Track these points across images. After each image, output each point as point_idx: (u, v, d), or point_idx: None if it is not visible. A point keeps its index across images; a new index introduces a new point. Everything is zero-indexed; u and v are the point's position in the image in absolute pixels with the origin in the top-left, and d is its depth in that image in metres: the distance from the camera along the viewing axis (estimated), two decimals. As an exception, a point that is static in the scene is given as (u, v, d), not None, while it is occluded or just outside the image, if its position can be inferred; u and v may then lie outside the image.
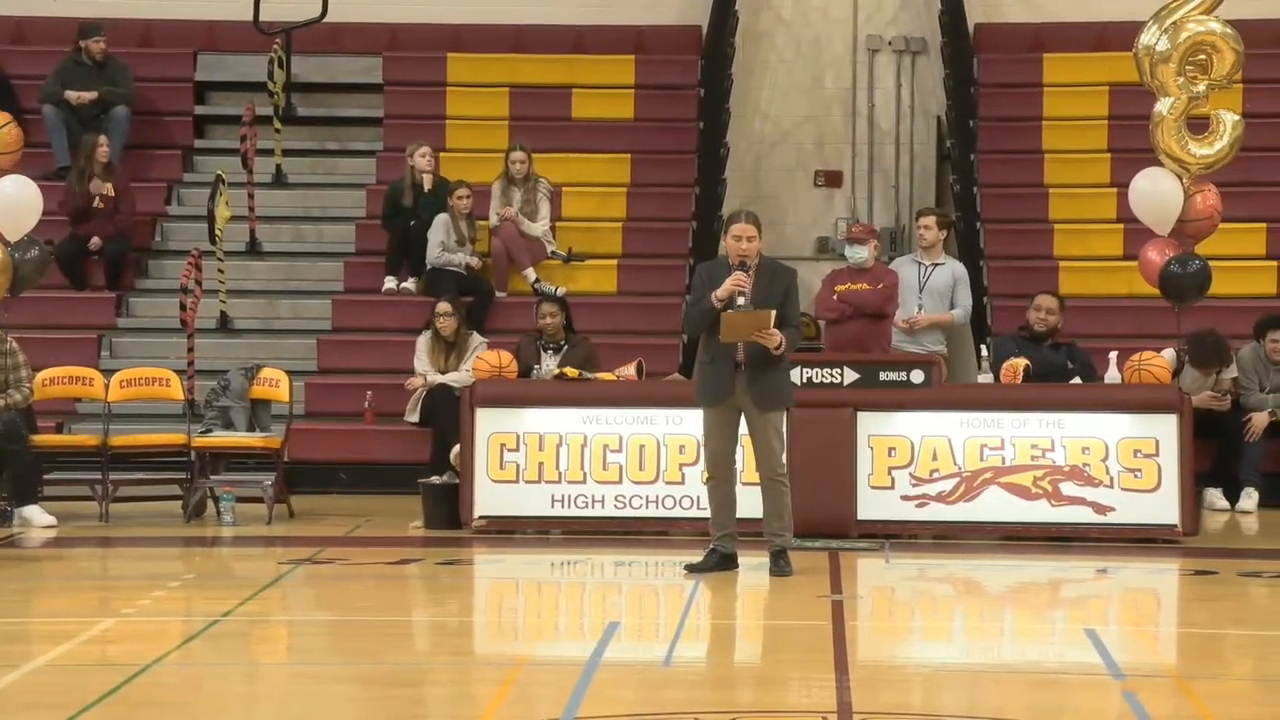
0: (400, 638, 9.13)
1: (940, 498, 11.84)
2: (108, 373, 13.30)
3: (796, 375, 11.53)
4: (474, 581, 11.08)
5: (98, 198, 14.98)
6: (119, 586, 10.66)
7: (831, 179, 16.81)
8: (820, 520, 11.50)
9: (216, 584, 10.68)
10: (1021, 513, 11.84)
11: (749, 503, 10.53)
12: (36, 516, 12.09)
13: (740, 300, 10.20)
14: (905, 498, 11.84)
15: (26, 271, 12.66)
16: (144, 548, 11.80)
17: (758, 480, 10.41)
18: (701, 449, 10.78)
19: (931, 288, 13.22)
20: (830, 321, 12.69)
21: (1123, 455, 11.81)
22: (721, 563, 10.46)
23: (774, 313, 10.16)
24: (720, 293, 10.21)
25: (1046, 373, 12.43)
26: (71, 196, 14.97)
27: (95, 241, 14.99)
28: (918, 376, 11.94)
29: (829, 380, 11.90)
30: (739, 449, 10.42)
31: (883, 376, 11.92)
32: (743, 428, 10.39)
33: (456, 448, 12.23)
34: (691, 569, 10.47)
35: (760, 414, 10.28)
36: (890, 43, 16.89)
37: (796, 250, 16.30)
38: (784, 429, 10.42)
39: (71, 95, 15.53)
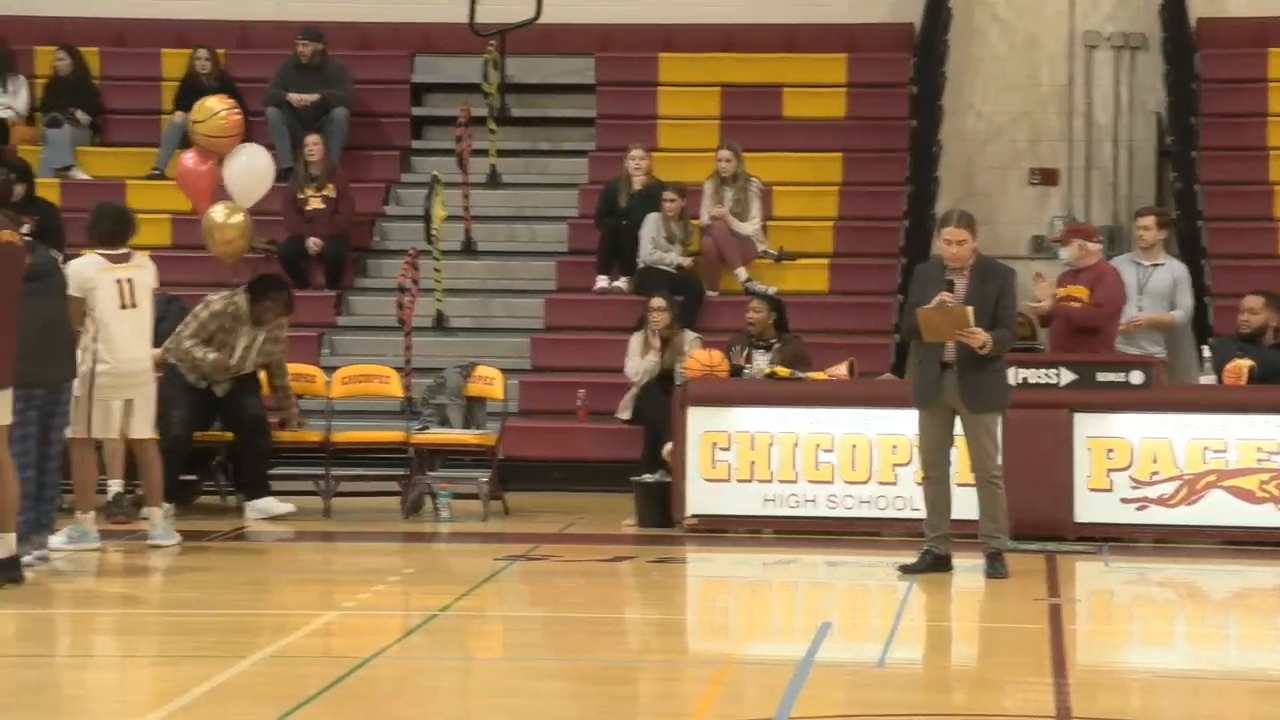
0: (612, 635, 9.17)
1: (1161, 501, 11.61)
2: (329, 369, 13.55)
3: (1012, 376, 11.38)
4: (685, 580, 11.10)
5: (317, 198, 15.26)
6: (340, 580, 10.85)
7: (1047, 177, 16.58)
8: (1037, 522, 11.35)
9: (434, 579, 10.81)
10: (1246, 517, 11.55)
11: (965, 504, 10.41)
12: (274, 506, 12.29)
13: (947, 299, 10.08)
14: (1124, 500, 11.63)
15: None
16: (364, 542, 12.00)
17: (973, 481, 10.29)
18: (915, 449, 10.69)
19: (1151, 289, 12.94)
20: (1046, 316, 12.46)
21: (1353, 459, 11.48)
22: (935, 564, 10.36)
23: (971, 310, 10.03)
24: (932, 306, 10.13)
25: (1270, 374, 12.11)
26: (293, 199, 15.27)
27: (315, 243, 15.26)
28: (1137, 378, 11.73)
29: (1046, 381, 11.73)
30: (954, 449, 10.31)
31: (1101, 378, 11.72)
32: (959, 428, 10.28)
33: (669, 445, 12.26)
34: (905, 570, 10.39)
35: (972, 415, 10.15)
36: (1108, 38, 16.61)
37: (1010, 249, 16.08)
38: (998, 430, 10.28)
39: (293, 98, 15.85)
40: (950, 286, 10.13)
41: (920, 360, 10.29)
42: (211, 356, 12.25)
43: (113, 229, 11.23)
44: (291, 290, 13.02)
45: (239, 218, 12.69)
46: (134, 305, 11.05)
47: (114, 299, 11.02)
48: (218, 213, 12.74)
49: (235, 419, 12.44)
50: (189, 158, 12.96)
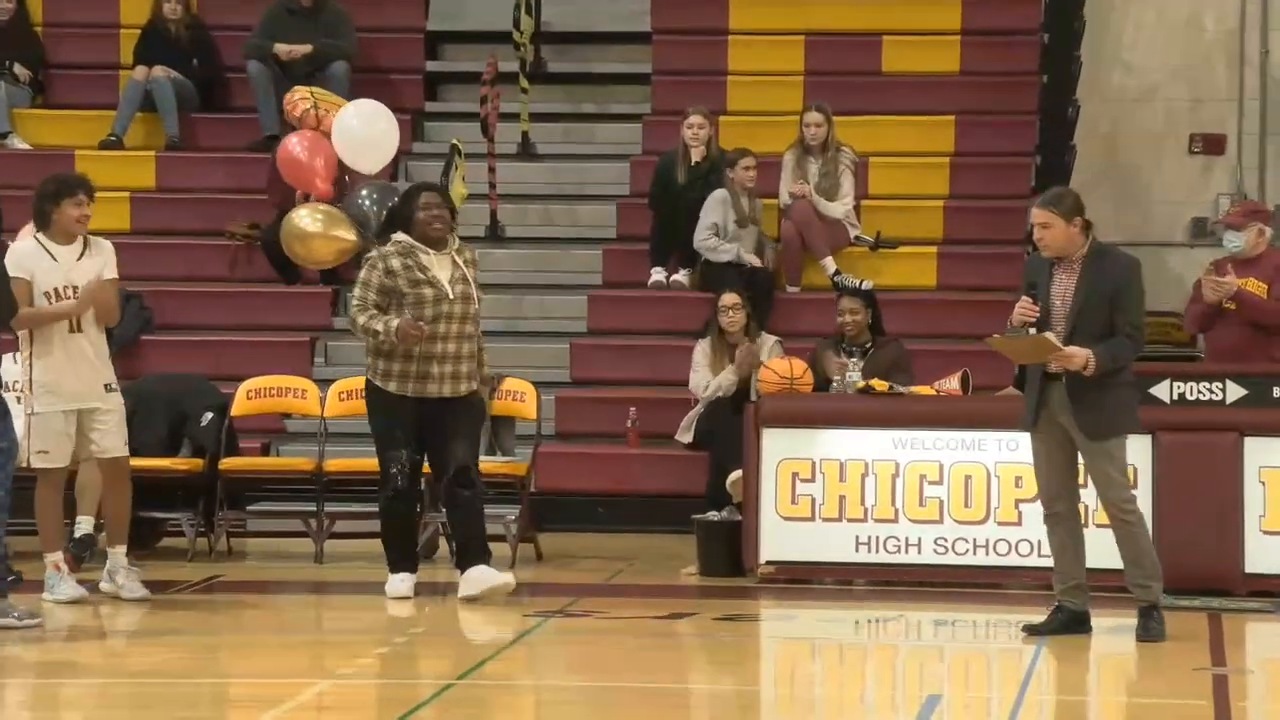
0: (670, 709, 9.16)
1: (1354, 546, 11.56)
2: (323, 383, 13.58)
3: (1167, 390, 11.30)
4: (760, 642, 11.10)
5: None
6: (334, 642, 10.88)
7: (1211, 144, 16.58)
8: (1197, 573, 11.33)
9: (450, 640, 10.83)
10: None
11: (1100, 549, 10.36)
12: (492, 576, 11.20)
13: (1030, 331, 10.02)
14: (1308, 546, 11.60)
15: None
16: (364, 595, 12.02)
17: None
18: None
19: (1339, 280, 12.87)
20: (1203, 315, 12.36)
21: None
22: (1070, 623, 10.33)
23: (1051, 335, 9.98)
24: (1013, 319, 10.12)
25: None
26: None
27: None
28: (1323, 393, 11.69)
29: (1208, 397, 11.70)
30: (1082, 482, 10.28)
31: (1278, 393, 11.67)
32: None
33: (735, 474, 12.25)
34: (1032, 630, 10.37)
35: (1090, 443, 10.08)
36: (1291, -29, 16.68)
37: (1165, 234, 16.09)
38: (1125, 454, 10.20)
39: (281, 49, 15.90)
40: (1030, 290, 10.04)
41: (1028, 373, 10.28)
42: (395, 323, 11.06)
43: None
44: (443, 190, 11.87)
45: (341, 229, 12.18)
46: None
47: None
48: (303, 219, 12.23)
49: (440, 462, 11.34)
50: (294, 143, 12.77)
